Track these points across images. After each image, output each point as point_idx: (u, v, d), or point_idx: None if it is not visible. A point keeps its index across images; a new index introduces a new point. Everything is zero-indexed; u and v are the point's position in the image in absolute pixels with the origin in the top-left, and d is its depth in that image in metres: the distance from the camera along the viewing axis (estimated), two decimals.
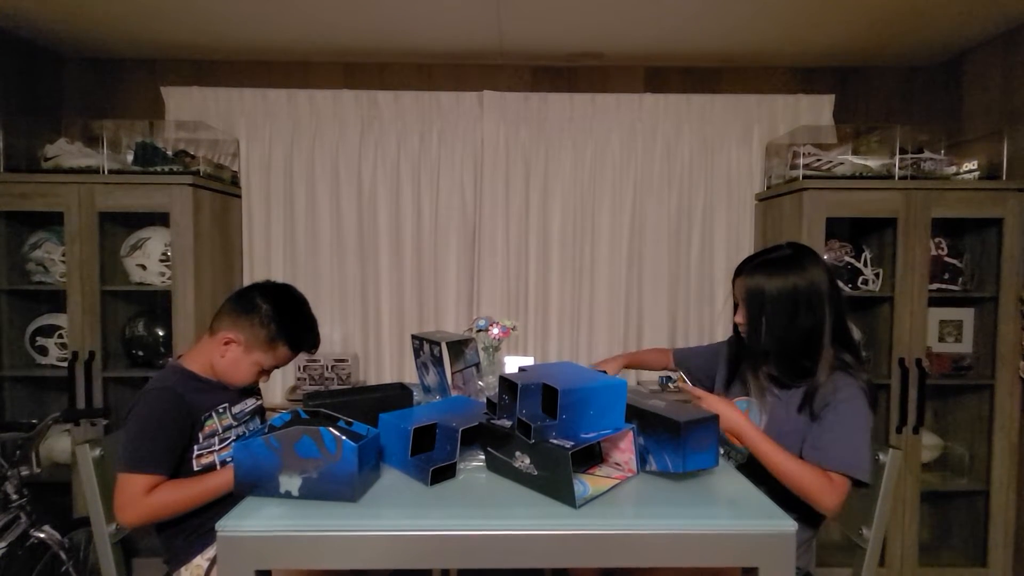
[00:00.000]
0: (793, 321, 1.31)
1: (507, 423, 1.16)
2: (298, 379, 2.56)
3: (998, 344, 2.24)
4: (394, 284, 2.71)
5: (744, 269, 1.39)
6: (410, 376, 2.64)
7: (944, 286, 2.29)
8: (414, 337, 1.75)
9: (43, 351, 2.32)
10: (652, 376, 2.70)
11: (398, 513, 1.03)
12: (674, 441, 1.12)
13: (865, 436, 1.25)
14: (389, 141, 2.66)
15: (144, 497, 1.24)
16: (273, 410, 1.84)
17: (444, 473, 1.16)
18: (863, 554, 1.36)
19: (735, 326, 1.47)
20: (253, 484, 1.09)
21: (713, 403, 1.31)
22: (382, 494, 1.11)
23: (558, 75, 2.73)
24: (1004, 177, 2.27)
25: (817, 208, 2.22)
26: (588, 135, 2.67)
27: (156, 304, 2.39)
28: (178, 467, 1.32)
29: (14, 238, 2.33)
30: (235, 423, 1.43)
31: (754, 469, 1.31)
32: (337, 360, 2.55)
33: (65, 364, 2.23)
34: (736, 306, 1.44)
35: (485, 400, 1.30)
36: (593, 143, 2.67)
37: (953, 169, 2.31)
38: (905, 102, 2.73)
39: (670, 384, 1.48)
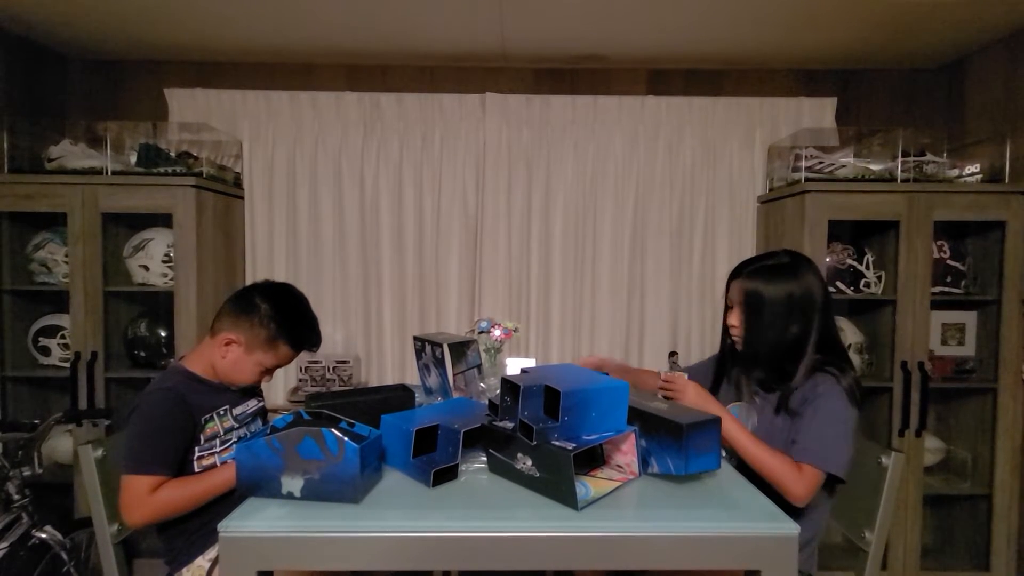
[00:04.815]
0: (785, 328, 1.34)
1: (509, 425, 1.16)
2: (300, 380, 2.56)
3: (1001, 347, 2.24)
4: (396, 285, 2.71)
5: (742, 273, 1.41)
6: (412, 377, 2.64)
7: (946, 289, 2.29)
8: (416, 338, 1.75)
9: (46, 351, 2.32)
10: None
11: (400, 514, 1.03)
12: (676, 443, 1.12)
13: (840, 431, 1.27)
14: (391, 143, 2.66)
15: (149, 497, 1.24)
16: (275, 411, 1.84)
17: (446, 475, 1.16)
18: (865, 557, 1.36)
19: (724, 328, 1.48)
20: (255, 485, 1.09)
21: (687, 388, 1.39)
22: (384, 495, 1.11)
23: (560, 77, 2.73)
24: (1007, 180, 2.26)
25: (819, 210, 2.22)
26: (590, 137, 2.67)
27: (158, 305, 2.40)
28: (180, 469, 1.32)
29: (17, 239, 2.34)
30: (236, 425, 1.43)
31: (748, 468, 1.33)
32: (339, 361, 2.55)
33: (67, 364, 2.23)
34: (727, 308, 1.45)
35: (487, 402, 1.30)
36: (595, 145, 2.67)
37: (955, 172, 2.31)
38: (907, 105, 2.73)
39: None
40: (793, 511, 1.18)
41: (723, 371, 1.57)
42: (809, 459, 1.26)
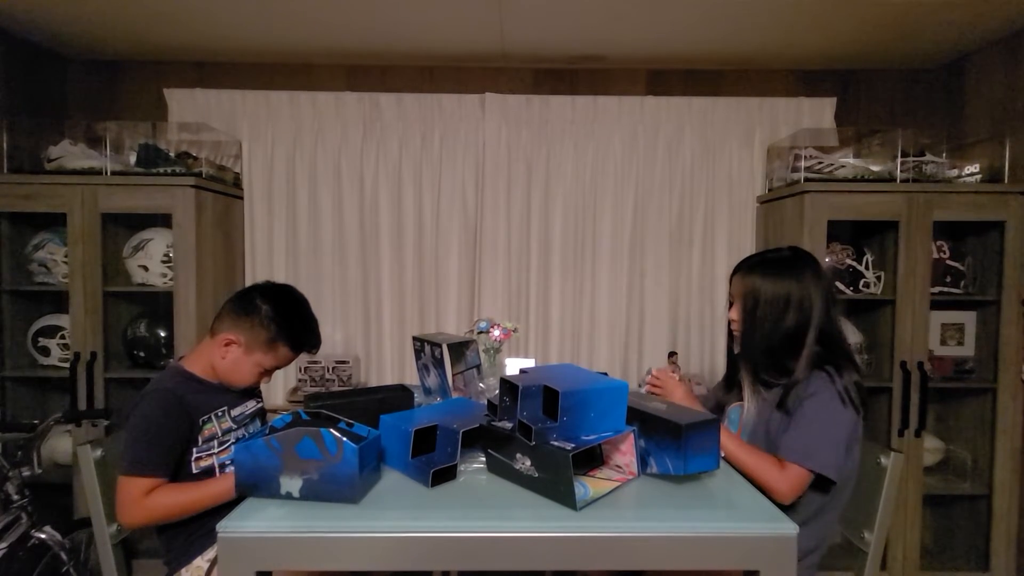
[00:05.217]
0: (780, 322, 1.34)
1: (508, 425, 1.16)
2: (299, 380, 2.56)
3: (1000, 347, 2.24)
4: (395, 286, 2.71)
5: (742, 267, 1.43)
6: (411, 378, 2.64)
7: (946, 289, 2.29)
8: (415, 339, 1.75)
9: (45, 352, 2.32)
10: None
11: (399, 515, 1.03)
12: (675, 443, 1.12)
13: (828, 430, 1.26)
14: (391, 143, 2.66)
15: (144, 499, 1.24)
16: (274, 411, 1.84)
17: (445, 475, 1.16)
18: (865, 558, 1.36)
19: (728, 324, 1.49)
20: (254, 485, 1.09)
21: (676, 389, 1.41)
22: (383, 495, 1.11)
23: (559, 77, 2.73)
24: (1006, 180, 2.26)
25: (818, 211, 2.22)
26: (589, 137, 2.67)
27: (158, 305, 2.39)
28: (177, 469, 1.32)
29: (17, 239, 2.34)
30: (235, 426, 1.43)
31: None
32: (338, 361, 2.55)
33: (67, 365, 2.23)
34: (731, 304, 1.46)
35: (486, 402, 1.30)
36: (594, 145, 2.67)
37: (955, 172, 2.31)
38: (907, 105, 2.73)
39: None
40: (797, 520, 1.19)
41: (733, 371, 1.57)
42: (792, 457, 1.26)
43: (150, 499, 1.25)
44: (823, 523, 1.34)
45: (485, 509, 1.05)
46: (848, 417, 1.28)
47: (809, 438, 1.26)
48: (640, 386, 1.57)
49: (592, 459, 1.22)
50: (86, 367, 2.22)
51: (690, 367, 2.71)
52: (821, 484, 1.28)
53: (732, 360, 1.57)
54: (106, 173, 2.24)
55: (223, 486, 1.30)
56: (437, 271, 2.71)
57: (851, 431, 1.28)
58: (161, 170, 2.27)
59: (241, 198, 2.64)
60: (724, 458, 1.33)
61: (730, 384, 1.58)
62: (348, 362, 2.55)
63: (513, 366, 1.70)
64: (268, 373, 1.45)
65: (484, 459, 1.22)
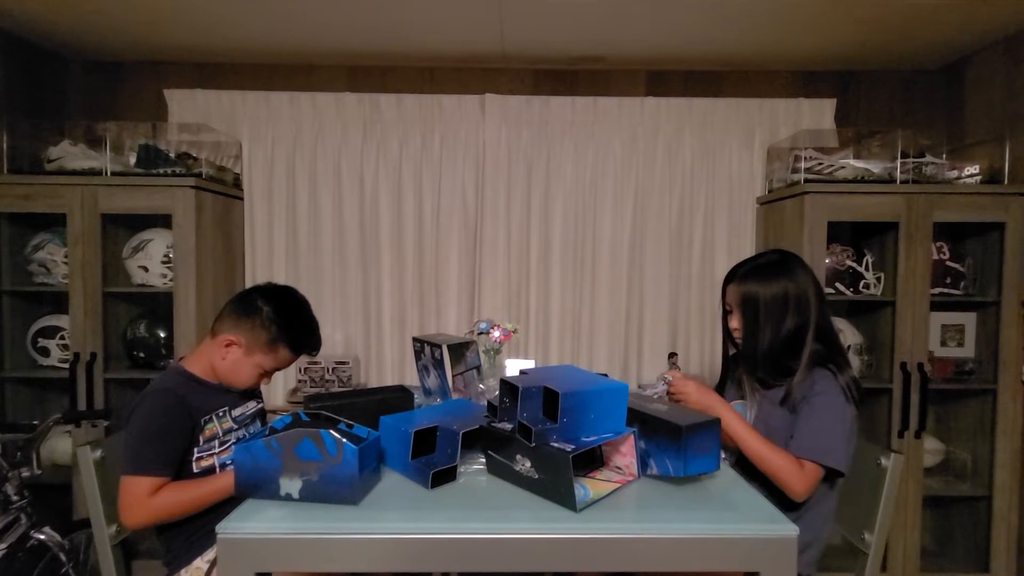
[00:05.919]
0: (782, 323, 1.36)
1: (508, 426, 1.16)
2: (299, 381, 2.56)
3: (1000, 349, 2.24)
4: (395, 286, 2.71)
5: (735, 276, 1.44)
6: (411, 379, 2.63)
7: (946, 290, 2.29)
8: (415, 340, 1.75)
9: (45, 352, 2.32)
10: (653, 379, 2.69)
11: (398, 516, 1.03)
12: (675, 445, 1.12)
13: (838, 426, 1.29)
14: (391, 144, 2.66)
15: (148, 499, 1.24)
16: (274, 412, 1.84)
17: (445, 476, 1.16)
18: (865, 559, 1.36)
19: (726, 332, 1.50)
20: (254, 486, 1.09)
21: (688, 387, 1.39)
22: (382, 497, 1.11)
23: (560, 78, 2.73)
24: (1006, 181, 2.26)
25: (818, 212, 2.22)
26: (590, 138, 2.67)
27: (158, 306, 2.39)
28: (179, 469, 1.32)
29: (17, 239, 2.34)
30: (235, 426, 1.43)
31: (746, 467, 1.34)
32: (338, 362, 2.55)
33: (67, 365, 2.23)
34: (725, 312, 1.48)
35: (486, 403, 1.30)
36: (595, 146, 2.67)
37: (955, 173, 2.31)
38: (907, 106, 2.73)
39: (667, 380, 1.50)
40: (794, 512, 1.19)
41: (727, 374, 1.59)
42: (809, 455, 1.28)
43: (155, 499, 1.25)
44: (818, 517, 1.36)
45: (485, 510, 1.05)
46: (851, 411, 1.32)
47: (824, 436, 1.29)
48: (640, 387, 1.57)
49: (592, 460, 1.22)
50: (86, 368, 2.22)
51: (690, 367, 2.71)
52: (826, 476, 1.31)
53: (726, 363, 1.59)
54: (106, 174, 2.24)
55: (225, 481, 1.30)
56: (437, 272, 2.71)
57: (852, 425, 1.32)
58: (161, 171, 2.27)
59: (241, 199, 2.64)
60: (732, 448, 1.34)
61: (722, 386, 1.59)
62: (348, 363, 2.55)
63: (513, 367, 1.69)
64: (268, 374, 1.45)
65: (484, 460, 1.22)
